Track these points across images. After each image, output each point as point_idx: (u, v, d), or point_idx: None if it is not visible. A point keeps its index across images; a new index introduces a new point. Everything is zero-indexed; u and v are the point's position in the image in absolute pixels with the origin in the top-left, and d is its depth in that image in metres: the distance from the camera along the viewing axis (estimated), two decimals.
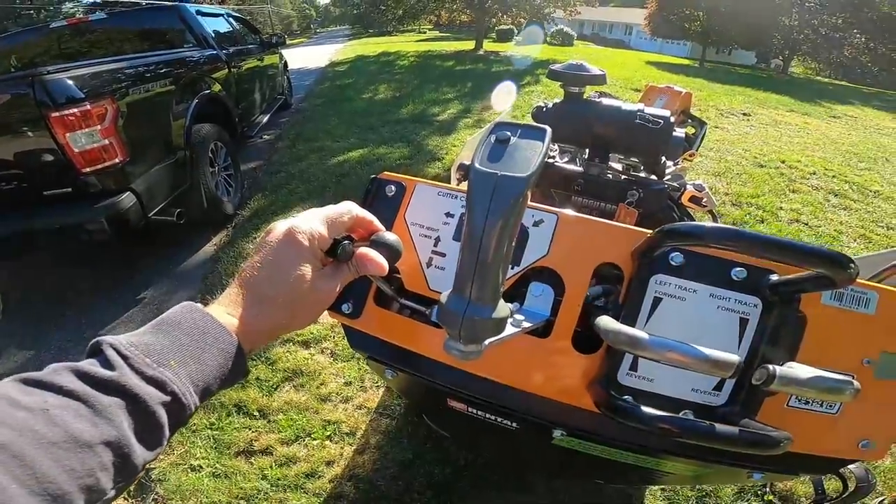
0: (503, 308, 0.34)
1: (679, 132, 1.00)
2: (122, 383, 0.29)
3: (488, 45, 14.59)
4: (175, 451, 1.51)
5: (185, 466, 1.47)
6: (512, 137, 0.34)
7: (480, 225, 0.32)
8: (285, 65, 6.05)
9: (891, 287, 0.51)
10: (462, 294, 0.34)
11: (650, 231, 0.50)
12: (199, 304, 0.36)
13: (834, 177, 3.98)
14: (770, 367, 0.38)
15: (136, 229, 2.15)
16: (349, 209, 0.44)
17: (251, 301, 0.38)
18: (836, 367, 0.48)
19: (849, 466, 0.72)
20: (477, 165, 0.33)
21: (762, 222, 2.99)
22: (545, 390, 0.51)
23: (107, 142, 1.98)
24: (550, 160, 1.15)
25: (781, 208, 3.24)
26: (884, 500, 1.41)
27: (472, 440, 1.27)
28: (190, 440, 1.54)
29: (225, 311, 0.37)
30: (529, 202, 0.54)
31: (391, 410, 1.63)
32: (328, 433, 1.55)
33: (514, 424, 0.63)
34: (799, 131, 5.66)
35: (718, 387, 0.48)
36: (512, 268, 0.52)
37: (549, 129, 0.34)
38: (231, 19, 4.45)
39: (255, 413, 1.63)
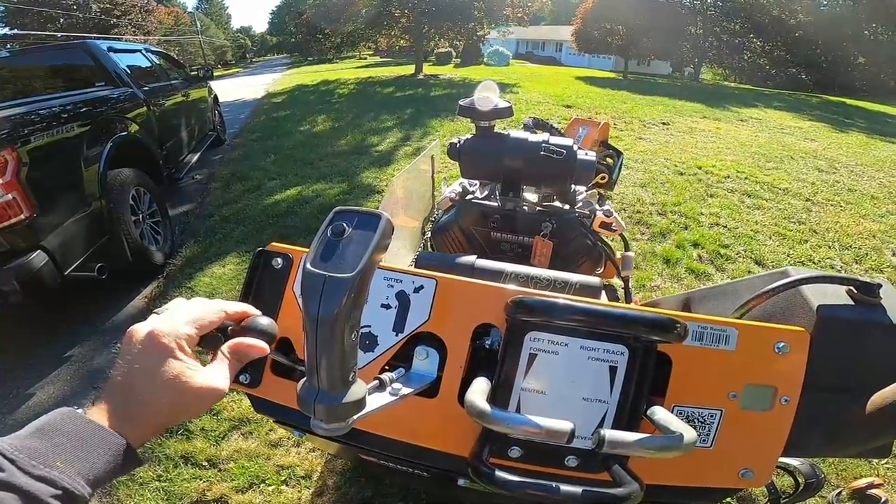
0: (356, 391, 0.36)
1: (587, 155, 1.04)
2: (12, 482, 0.31)
3: (428, 69, 14.92)
4: None
5: None
6: (347, 229, 0.35)
7: (314, 324, 0.33)
8: (215, 98, 5.84)
9: (750, 322, 0.54)
10: (312, 383, 0.35)
11: (523, 290, 0.53)
12: (78, 411, 0.36)
13: (746, 178, 4.35)
14: (601, 431, 0.41)
15: (54, 288, 1.98)
16: (220, 308, 0.44)
17: (132, 404, 0.39)
18: (704, 404, 0.52)
19: (793, 463, 0.76)
20: (308, 266, 0.34)
21: (686, 229, 3.20)
22: (439, 445, 0.54)
23: (10, 196, 1.81)
24: (469, 196, 1.17)
25: (702, 213, 3.49)
26: (841, 491, 1.47)
27: (402, 481, 1.28)
28: (139, 493, 1.46)
29: (107, 413, 0.38)
30: (411, 268, 0.58)
31: None
32: (283, 478, 1.51)
33: (424, 472, 0.64)
34: (712, 137, 6.18)
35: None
36: (396, 334, 0.55)
37: (384, 217, 0.35)
38: (150, 54, 4.24)
39: (205, 463, 1.56)
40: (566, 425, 0.40)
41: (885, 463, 1.58)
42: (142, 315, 2.42)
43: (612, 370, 0.50)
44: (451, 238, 1.16)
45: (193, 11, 46.14)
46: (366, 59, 30.00)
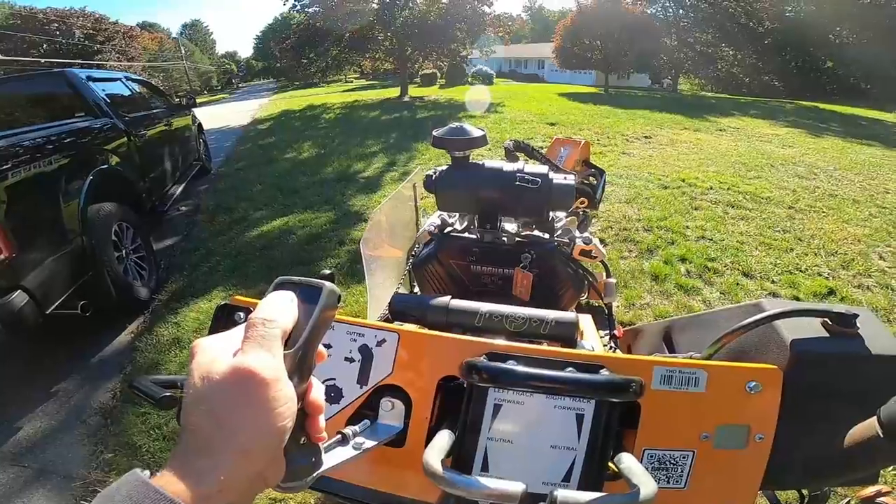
0: (309, 453, 0.35)
1: (566, 180, 1.03)
2: None
3: (413, 91, 15.15)
4: None
5: None
6: None
7: None
8: (199, 127, 5.79)
9: (719, 363, 0.54)
10: None
11: (488, 343, 0.55)
12: (141, 473, 0.27)
13: (729, 189, 4.43)
14: (554, 492, 0.40)
15: (37, 326, 1.95)
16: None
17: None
18: (676, 446, 0.52)
19: None
20: None
21: (673, 244, 3.23)
22: (408, 492, 0.56)
23: None
24: (448, 229, 1.15)
25: (688, 227, 3.52)
26: (850, 501, 1.44)
27: None
28: None
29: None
30: (370, 321, 0.59)
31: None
32: None
33: None
34: (693, 148, 6.31)
35: (567, 478, 0.50)
36: (360, 387, 0.57)
37: (325, 288, 0.33)
38: (131, 82, 4.20)
39: None
40: (517, 487, 0.41)
41: (893, 470, 1.56)
42: (129, 351, 2.40)
43: (580, 418, 0.50)
44: (431, 273, 1.14)
45: (177, 37, 46.52)
46: (351, 82, 30.42)
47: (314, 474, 0.35)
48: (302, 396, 0.32)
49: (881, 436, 0.46)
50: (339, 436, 0.47)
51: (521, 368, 0.49)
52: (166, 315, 2.66)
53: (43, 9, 27.64)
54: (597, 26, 18.67)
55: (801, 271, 2.94)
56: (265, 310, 0.31)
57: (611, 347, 1.09)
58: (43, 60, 21.33)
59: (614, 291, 1.22)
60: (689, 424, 0.51)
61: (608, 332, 1.15)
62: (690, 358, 0.61)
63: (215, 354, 0.30)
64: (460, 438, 0.51)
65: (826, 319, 0.55)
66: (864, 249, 3.24)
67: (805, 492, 0.68)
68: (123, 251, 2.67)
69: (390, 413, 0.56)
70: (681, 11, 20.37)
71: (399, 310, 0.82)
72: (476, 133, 1.01)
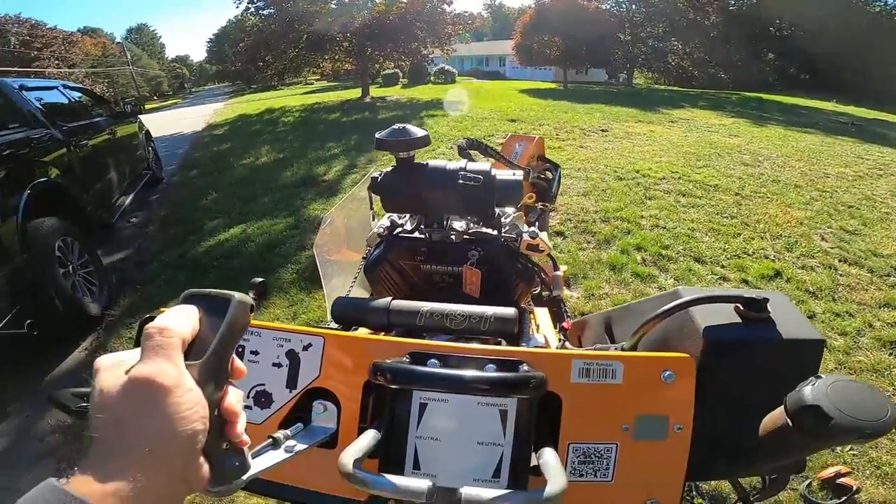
0: (235, 458, 0.36)
1: (513, 176, 1.03)
2: None
3: (375, 91, 14.99)
4: None
5: None
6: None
7: None
8: (147, 134, 5.53)
9: (634, 354, 0.55)
10: None
11: (415, 342, 0.56)
12: (56, 482, 0.27)
13: (680, 178, 4.62)
14: (459, 490, 0.41)
15: None
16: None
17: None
18: (598, 439, 0.53)
19: None
20: None
21: (629, 234, 3.34)
22: (341, 491, 0.57)
23: None
24: (398, 230, 1.15)
25: (643, 216, 3.65)
26: (811, 482, 1.50)
27: None
28: None
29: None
30: (295, 327, 0.60)
31: None
32: None
33: None
34: (647, 140, 6.54)
35: (497, 473, 0.50)
36: (290, 391, 0.58)
37: (234, 298, 0.34)
38: (69, 90, 3.97)
39: None
40: (423, 484, 0.41)
41: (850, 450, 1.62)
42: (83, 368, 2.31)
43: (503, 414, 0.51)
44: (382, 274, 1.13)
45: (122, 41, 44.17)
46: (312, 83, 29.80)
47: (242, 477, 0.36)
48: (217, 403, 0.33)
49: (790, 425, 0.45)
50: (270, 440, 0.48)
51: (420, 369, 0.50)
52: (120, 330, 2.58)
53: None
54: (555, 22, 19.07)
55: (748, 255, 3.10)
56: (162, 320, 0.32)
57: (561, 340, 1.12)
58: None
59: (562, 284, 1.25)
60: (610, 417, 0.52)
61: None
62: (621, 349, 0.62)
63: (116, 368, 0.31)
64: (387, 438, 0.51)
65: (738, 305, 0.55)
66: (807, 231, 3.46)
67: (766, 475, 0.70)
68: (70, 267, 2.54)
69: (323, 415, 0.57)
70: (633, 7, 21.05)
71: (339, 313, 0.82)
72: (418, 133, 1.01)
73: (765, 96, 15.26)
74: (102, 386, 0.30)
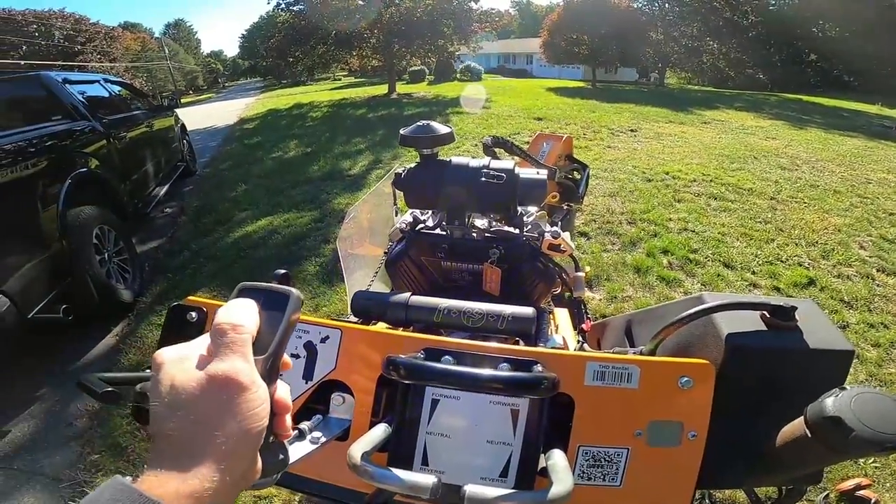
0: (278, 452, 0.36)
1: (538, 174, 1.03)
2: None
3: (401, 88, 15.07)
4: None
5: None
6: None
7: None
8: (182, 127, 5.73)
9: (652, 358, 0.54)
10: None
11: (431, 338, 0.56)
12: (123, 479, 0.27)
13: (712, 181, 4.47)
14: (464, 488, 0.41)
15: (19, 331, 1.94)
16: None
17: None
18: (610, 443, 0.52)
19: None
20: None
21: (655, 236, 3.26)
22: (352, 484, 0.56)
23: None
24: (420, 226, 1.15)
25: (671, 219, 3.55)
26: (829, 494, 1.46)
27: None
28: None
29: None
30: (314, 318, 0.60)
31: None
32: None
33: None
34: (678, 141, 6.36)
35: (505, 473, 0.50)
36: (306, 382, 0.58)
37: (293, 295, 0.34)
38: (110, 84, 4.14)
39: None
40: (428, 480, 0.41)
41: (873, 462, 1.57)
42: (114, 353, 2.40)
43: (515, 413, 0.51)
44: (403, 270, 1.14)
45: (160, 37, 45.77)
46: (340, 79, 30.16)
47: (282, 470, 0.36)
48: (271, 397, 0.33)
49: (808, 436, 0.44)
50: (297, 432, 0.48)
51: (433, 365, 0.50)
52: (150, 317, 2.65)
53: (21, 10, 27.14)
54: (584, 20, 18.70)
55: (781, 262, 2.98)
56: (233, 315, 0.32)
57: (579, 341, 1.10)
58: (23, 63, 20.93)
59: (583, 285, 1.23)
60: (623, 421, 0.51)
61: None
62: (640, 353, 0.61)
63: (185, 363, 0.30)
64: (397, 432, 0.52)
65: (764, 312, 0.54)
66: (845, 239, 3.29)
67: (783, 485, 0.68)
68: (105, 254, 2.65)
69: (341, 407, 0.57)
70: (666, 5, 20.48)
71: (360, 307, 0.83)
72: (443, 130, 1.01)
73: (805, 98, 14.60)
74: (175, 382, 0.29)
